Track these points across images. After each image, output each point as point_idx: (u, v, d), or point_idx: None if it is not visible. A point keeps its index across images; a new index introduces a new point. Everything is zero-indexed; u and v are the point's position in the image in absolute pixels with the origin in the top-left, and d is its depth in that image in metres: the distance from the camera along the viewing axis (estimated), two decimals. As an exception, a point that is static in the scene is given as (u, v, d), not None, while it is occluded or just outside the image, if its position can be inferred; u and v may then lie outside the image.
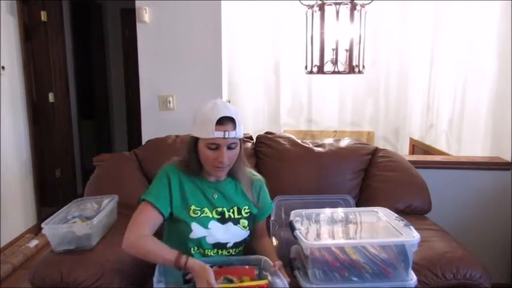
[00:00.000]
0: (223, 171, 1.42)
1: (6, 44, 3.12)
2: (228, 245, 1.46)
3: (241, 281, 1.28)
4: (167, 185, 1.42)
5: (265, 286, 1.26)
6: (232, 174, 1.50)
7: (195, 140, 1.41)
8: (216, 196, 1.47)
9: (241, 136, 1.43)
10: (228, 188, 1.50)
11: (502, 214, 2.40)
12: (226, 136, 1.34)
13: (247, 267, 1.34)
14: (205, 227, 1.41)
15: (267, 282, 1.28)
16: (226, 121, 1.35)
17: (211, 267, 1.28)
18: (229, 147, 1.38)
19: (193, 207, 1.42)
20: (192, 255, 1.39)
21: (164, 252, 1.31)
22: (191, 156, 1.43)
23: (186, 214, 1.41)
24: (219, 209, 1.45)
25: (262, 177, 1.60)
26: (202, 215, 1.42)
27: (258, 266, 1.38)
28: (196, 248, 1.42)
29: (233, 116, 1.36)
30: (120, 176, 1.99)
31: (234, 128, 1.36)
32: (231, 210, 1.46)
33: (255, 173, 1.61)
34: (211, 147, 1.36)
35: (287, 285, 1.27)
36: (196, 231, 1.40)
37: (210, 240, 1.42)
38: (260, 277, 1.33)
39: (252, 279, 1.30)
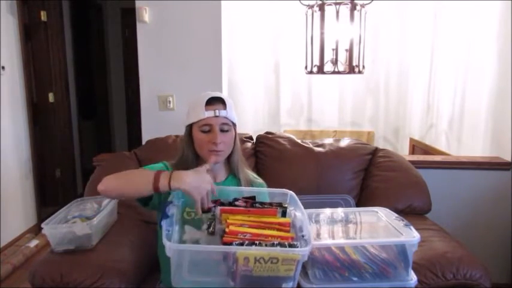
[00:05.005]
0: (219, 155, 1.38)
1: (6, 44, 3.12)
2: None
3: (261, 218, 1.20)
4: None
5: (287, 224, 1.18)
6: (232, 170, 1.49)
7: (190, 130, 1.41)
8: (216, 194, 1.46)
9: (235, 122, 1.42)
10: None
11: (502, 214, 2.40)
12: (217, 114, 1.35)
13: (269, 208, 1.25)
14: (199, 228, 1.39)
15: (289, 220, 1.21)
16: (215, 101, 1.37)
17: (229, 204, 1.24)
18: (222, 130, 1.37)
19: (187, 208, 1.38)
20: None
21: (139, 177, 1.26)
22: (187, 148, 1.42)
23: (180, 216, 1.39)
24: None
25: (264, 182, 1.57)
26: (196, 217, 1.39)
27: (282, 205, 1.26)
28: None
29: (223, 97, 1.39)
30: (120, 176, 1.99)
31: (225, 108, 1.37)
32: None
33: (257, 176, 1.59)
34: (204, 129, 1.36)
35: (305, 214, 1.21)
36: (190, 233, 1.39)
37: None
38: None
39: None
